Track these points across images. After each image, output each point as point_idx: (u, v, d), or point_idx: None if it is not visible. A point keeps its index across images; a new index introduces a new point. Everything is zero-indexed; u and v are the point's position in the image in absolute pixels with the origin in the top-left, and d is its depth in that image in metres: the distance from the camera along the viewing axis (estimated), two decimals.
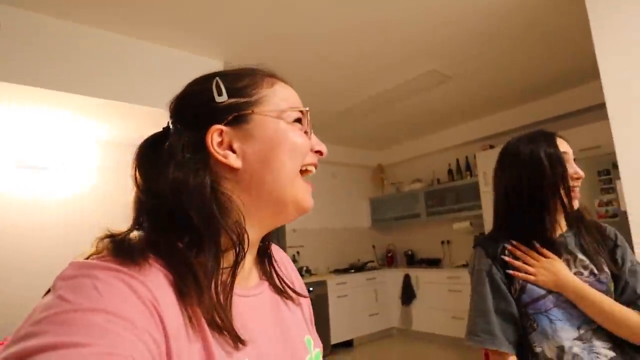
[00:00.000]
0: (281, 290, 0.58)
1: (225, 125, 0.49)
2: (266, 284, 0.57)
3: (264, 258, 0.60)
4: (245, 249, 0.48)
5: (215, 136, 0.49)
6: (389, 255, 5.66)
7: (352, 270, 4.94)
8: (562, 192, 1.00)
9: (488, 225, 4.11)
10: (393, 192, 5.68)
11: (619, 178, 3.02)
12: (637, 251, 1.69)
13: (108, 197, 3.13)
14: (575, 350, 0.92)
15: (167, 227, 0.45)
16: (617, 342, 0.93)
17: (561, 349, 0.94)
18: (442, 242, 5.13)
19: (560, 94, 3.91)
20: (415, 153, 5.44)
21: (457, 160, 4.94)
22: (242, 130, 0.50)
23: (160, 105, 2.49)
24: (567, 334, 0.94)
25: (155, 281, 0.39)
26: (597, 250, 1.00)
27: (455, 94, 3.80)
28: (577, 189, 1.02)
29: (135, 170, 0.50)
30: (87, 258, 0.40)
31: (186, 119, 0.50)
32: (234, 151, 0.50)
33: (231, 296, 0.46)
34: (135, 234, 0.45)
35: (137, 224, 0.47)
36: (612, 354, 0.92)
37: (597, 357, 0.91)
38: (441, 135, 5.06)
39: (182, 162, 0.47)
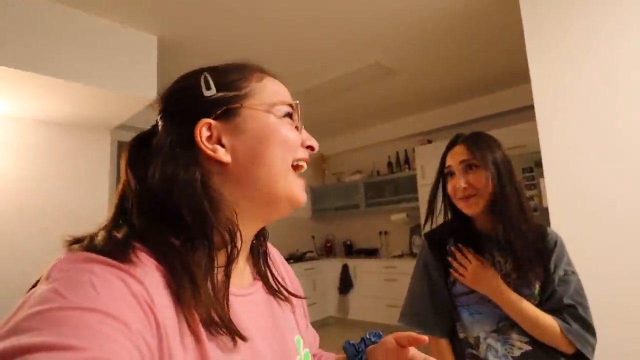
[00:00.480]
0: (275, 291, 0.58)
1: (214, 119, 0.49)
2: (260, 283, 0.57)
3: (258, 256, 0.59)
4: (239, 247, 0.48)
5: (204, 130, 0.48)
6: (328, 245, 5.71)
7: (292, 261, 4.91)
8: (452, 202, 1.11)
9: (424, 217, 4.26)
10: (334, 183, 5.72)
11: (542, 176, 3.28)
12: None
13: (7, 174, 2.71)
14: (490, 341, 1.01)
15: (160, 224, 0.44)
16: (535, 338, 0.97)
17: (477, 339, 1.02)
18: (380, 233, 5.27)
19: (494, 95, 4.13)
20: (357, 144, 5.49)
21: (397, 153, 5.07)
22: (231, 124, 0.50)
23: (79, 78, 2.19)
24: (484, 327, 1.02)
25: (152, 280, 0.39)
26: (529, 254, 1.01)
27: (397, 88, 3.86)
28: (470, 199, 1.04)
29: (127, 168, 0.49)
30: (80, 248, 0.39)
31: (174, 114, 0.50)
32: (223, 146, 0.49)
33: (227, 295, 0.46)
34: (122, 230, 0.43)
35: (119, 220, 0.46)
36: (527, 347, 0.97)
37: (512, 348, 0.98)
38: (382, 128, 5.15)
39: (172, 157, 0.46)
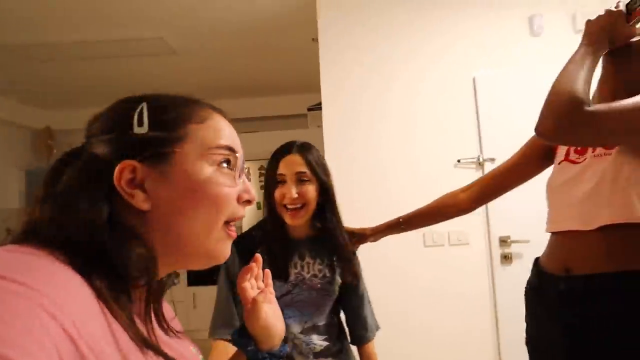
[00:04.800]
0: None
1: (139, 161, 0.43)
2: None
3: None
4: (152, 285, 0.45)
5: (126, 172, 0.43)
6: None
7: None
8: (276, 209, 1.10)
9: None
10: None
11: None
12: None
13: None
14: (296, 341, 1.12)
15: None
16: (331, 337, 1.16)
17: (285, 339, 1.15)
18: None
19: (273, 98, 4.42)
20: None
21: None
22: (157, 170, 0.44)
23: None
24: (293, 329, 1.11)
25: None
26: (331, 258, 1.15)
27: (175, 69, 3.59)
28: (300, 210, 1.07)
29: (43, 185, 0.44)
30: None
31: (100, 140, 0.45)
32: (145, 190, 0.44)
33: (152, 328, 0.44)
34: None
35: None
36: (325, 343, 1.15)
37: (314, 346, 1.13)
38: None
39: (80, 186, 0.42)
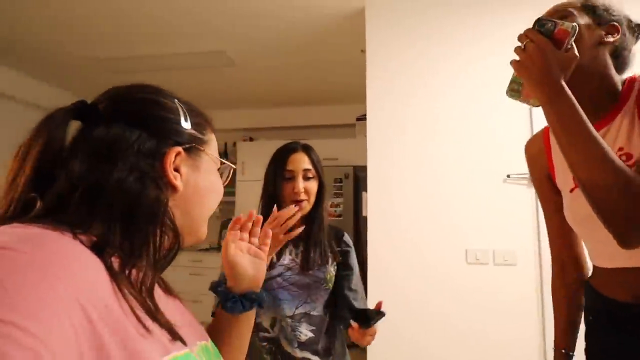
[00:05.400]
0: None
1: (183, 149, 0.52)
2: None
3: None
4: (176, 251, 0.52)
5: (172, 156, 0.50)
6: None
7: None
8: (283, 200, 1.20)
9: (239, 212, 4.28)
10: None
11: (350, 187, 3.85)
12: (369, 248, 2.18)
13: None
14: (283, 324, 1.16)
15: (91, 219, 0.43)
16: (320, 331, 1.19)
17: (274, 320, 1.17)
18: None
19: (320, 108, 4.55)
20: None
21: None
22: (192, 161, 0.54)
23: None
24: (284, 312, 1.16)
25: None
26: (320, 249, 1.23)
27: (233, 81, 3.80)
28: (302, 204, 1.18)
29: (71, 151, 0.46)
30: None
31: (150, 125, 0.50)
32: (180, 175, 0.51)
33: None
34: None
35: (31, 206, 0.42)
36: (311, 334, 1.18)
37: (300, 334, 1.17)
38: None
39: (137, 168, 0.46)
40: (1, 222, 0.40)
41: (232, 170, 0.63)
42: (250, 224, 0.75)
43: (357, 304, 1.23)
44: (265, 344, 1.17)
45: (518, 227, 2.09)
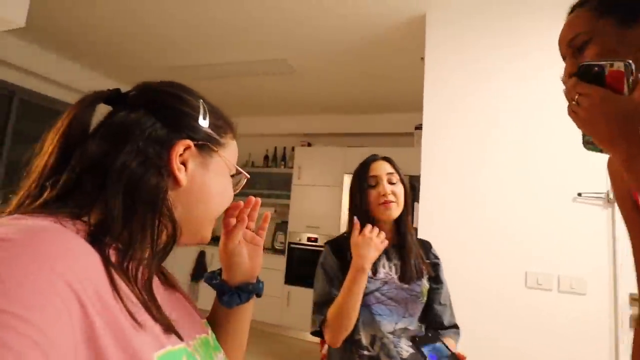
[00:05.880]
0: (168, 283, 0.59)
1: (194, 145, 0.52)
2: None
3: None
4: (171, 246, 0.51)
5: (181, 148, 0.50)
6: None
7: None
8: (371, 207, 1.20)
9: (294, 215, 4.39)
10: None
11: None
12: None
13: None
14: (385, 341, 1.11)
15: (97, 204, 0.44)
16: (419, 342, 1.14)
17: (374, 338, 1.12)
18: None
19: (380, 116, 4.49)
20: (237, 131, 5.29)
21: (275, 149, 5.09)
22: (202, 158, 0.53)
23: None
24: (384, 328, 1.13)
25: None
26: (415, 261, 1.21)
27: (294, 88, 3.88)
28: (392, 203, 1.18)
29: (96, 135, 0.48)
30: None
31: (166, 116, 0.51)
32: (186, 169, 0.51)
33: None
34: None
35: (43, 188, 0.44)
36: (412, 350, 1.11)
37: (401, 349, 1.12)
38: (266, 121, 5.10)
39: (144, 152, 0.47)
40: (19, 206, 0.43)
41: (245, 180, 0.62)
42: (255, 212, 0.72)
43: (446, 320, 1.22)
44: None
45: (590, 253, 1.87)
